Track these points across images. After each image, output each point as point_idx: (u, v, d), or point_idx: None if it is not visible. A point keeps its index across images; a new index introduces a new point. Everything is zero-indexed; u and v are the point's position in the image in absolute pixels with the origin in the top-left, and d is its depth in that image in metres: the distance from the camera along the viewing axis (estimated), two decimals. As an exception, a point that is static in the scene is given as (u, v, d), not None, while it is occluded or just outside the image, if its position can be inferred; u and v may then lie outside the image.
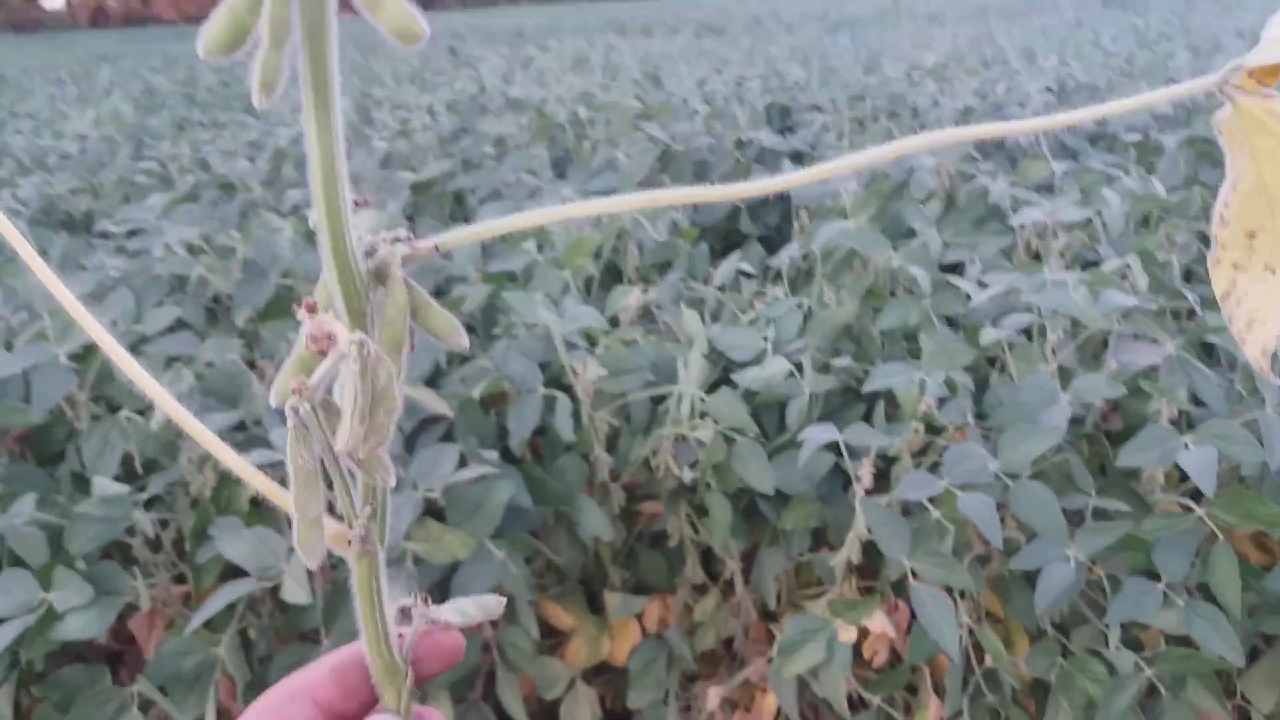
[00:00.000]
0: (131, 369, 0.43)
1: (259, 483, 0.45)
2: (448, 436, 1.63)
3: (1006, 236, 1.99)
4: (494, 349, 1.69)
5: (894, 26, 9.28)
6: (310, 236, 2.31)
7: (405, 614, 0.45)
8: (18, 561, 1.48)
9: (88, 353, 1.79)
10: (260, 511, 1.60)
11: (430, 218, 2.56)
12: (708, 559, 1.75)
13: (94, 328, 0.43)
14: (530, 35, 13.71)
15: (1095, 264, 1.92)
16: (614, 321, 1.86)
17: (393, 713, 0.44)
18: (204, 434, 0.46)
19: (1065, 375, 1.55)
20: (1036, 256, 2.01)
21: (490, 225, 0.39)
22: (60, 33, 42.79)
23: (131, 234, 2.43)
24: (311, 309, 0.34)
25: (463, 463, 1.49)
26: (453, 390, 1.68)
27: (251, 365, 1.86)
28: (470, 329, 1.96)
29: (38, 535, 1.49)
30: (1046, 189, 2.26)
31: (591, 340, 1.72)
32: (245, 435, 1.65)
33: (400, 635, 0.45)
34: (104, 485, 1.54)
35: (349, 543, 0.41)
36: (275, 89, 0.31)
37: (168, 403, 0.45)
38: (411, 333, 0.38)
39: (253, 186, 2.90)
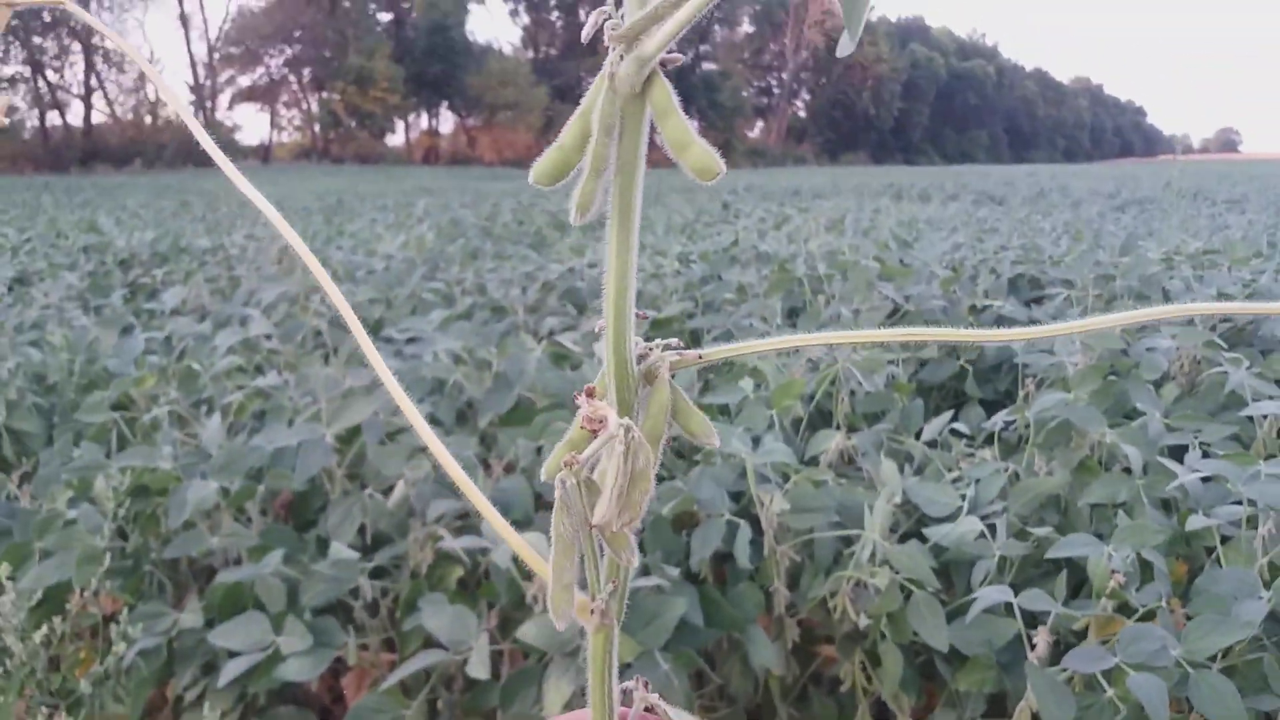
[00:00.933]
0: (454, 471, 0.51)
1: (520, 548, 0.48)
2: (639, 549, 1.75)
3: (1241, 426, 1.90)
4: (690, 473, 1.80)
5: (1184, 208, 8.86)
6: (556, 358, 2.55)
7: (626, 695, 0.48)
8: (259, 606, 1.72)
9: (350, 435, 2.07)
10: (465, 592, 1.78)
11: (666, 352, 2.75)
12: (881, 710, 1.73)
13: (422, 427, 0.51)
14: (806, 194, 14.18)
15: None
16: (813, 462, 1.92)
17: None
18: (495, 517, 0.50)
19: (1277, 572, 1.45)
20: (1273, 455, 1.88)
21: (749, 345, 0.44)
22: (396, 166, 48.94)
23: (410, 341, 2.78)
24: (591, 394, 0.40)
25: (645, 572, 1.60)
26: (649, 506, 1.80)
27: (485, 463, 2.07)
28: (678, 454, 2.09)
29: (279, 586, 1.73)
30: (1302, 383, 2.12)
31: (785, 477, 1.79)
32: (464, 523, 1.84)
33: (623, 713, 0.48)
34: (338, 549, 1.77)
35: (591, 613, 0.44)
36: (590, 211, 0.39)
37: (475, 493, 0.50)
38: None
39: (518, 311, 3.23)
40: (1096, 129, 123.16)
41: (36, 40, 45.67)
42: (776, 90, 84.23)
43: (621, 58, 0.38)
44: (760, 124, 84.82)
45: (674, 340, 0.42)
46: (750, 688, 1.72)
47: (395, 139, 63.99)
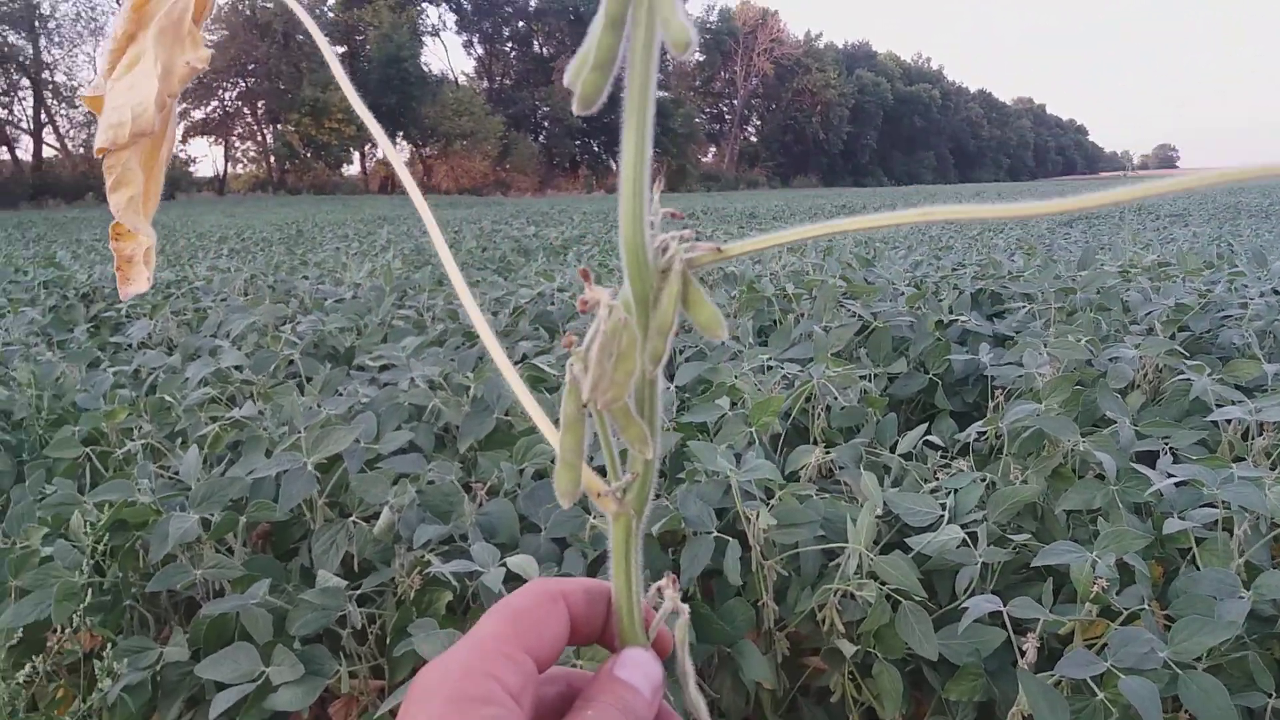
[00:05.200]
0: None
1: (540, 421, 0.49)
2: (627, 569, 1.76)
3: (1208, 432, 1.95)
4: (677, 492, 1.82)
5: (1131, 223, 9.09)
6: (532, 381, 2.56)
7: (659, 593, 0.49)
8: (246, 637, 1.71)
9: (331, 463, 2.06)
10: (454, 615, 1.77)
11: (640, 373, 2.77)
12: (869, 718, 1.75)
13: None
14: (763, 216, 14.33)
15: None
16: (794, 477, 1.95)
17: (644, 648, 0.47)
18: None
19: (1254, 572, 1.50)
20: (1240, 458, 1.94)
21: (768, 238, 0.42)
22: (353, 196, 48.76)
23: (384, 368, 2.77)
24: (585, 275, 0.40)
25: (635, 591, 1.61)
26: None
27: (467, 488, 2.07)
28: (661, 473, 2.11)
29: (266, 616, 1.71)
30: (1260, 389, 2.19)
31: (769, 492, 1.82)
32: (451, 547, 1.84)
33: (647, 610, 0.48)
34: (325, 578, 1.75)
35: (601, 497, 0.45)
36: (594, 104, 0.39)
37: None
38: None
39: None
40: (1040, 148, 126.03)
41: (-15, 77, 44.97)
42: (728, 116, 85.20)
43: None
44: (713, 149, 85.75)
45: (689, 233, 0.41)
46: (742, 701, 1.73)
47: (351, 169, 63.79)
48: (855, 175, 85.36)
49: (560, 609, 0.46)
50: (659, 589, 0.49)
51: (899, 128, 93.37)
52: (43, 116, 46.84)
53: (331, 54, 0.51)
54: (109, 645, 1.73)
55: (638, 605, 0.47)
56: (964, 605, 1.49)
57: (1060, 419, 1.90)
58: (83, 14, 49.51)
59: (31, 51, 46.22)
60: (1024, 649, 1.46)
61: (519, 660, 0.43)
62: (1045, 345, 2.31)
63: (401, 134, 63.05)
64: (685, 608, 0.49)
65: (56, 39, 47.72)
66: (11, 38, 45.83)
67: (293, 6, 0.50)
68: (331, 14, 60.80)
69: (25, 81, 46.75)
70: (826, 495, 1.85)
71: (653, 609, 0.49)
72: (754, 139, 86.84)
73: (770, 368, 2.41)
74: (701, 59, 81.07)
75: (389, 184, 61.34)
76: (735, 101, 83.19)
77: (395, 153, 0.49)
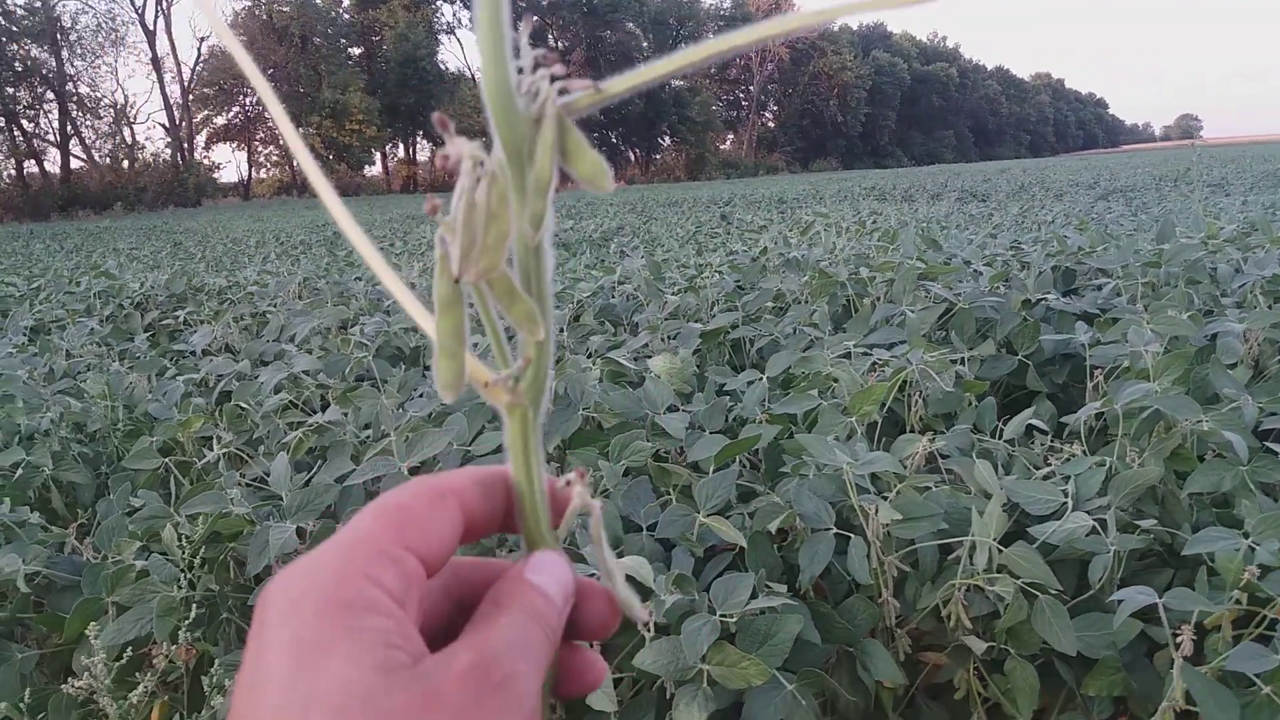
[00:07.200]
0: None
1: (407, 303, 0.42)
2: (732, 567, 1.70)
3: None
4: (783, 487, 1.76)
5: (1171, 195, 8.92)
6: (614, 376, 2.51)
7: (567, 486, 0.43)
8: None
9: (423, 467, 2.02)
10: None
11: (713, 363, 2.72)
12: (994, 715, 1.69)
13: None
14: (792, 202, 14.22)
15: None
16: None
17: (554, 551, 0.42)
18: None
19: None
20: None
21: (655, 67, 0.35)
22: (377, 196, 49.03)
23: (454, 368, 2.73)
24: (444, 125, 0.34)
25: (753, 594, 1.55)
26: (735, 524, 1.75)
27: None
28: (754, 466, 2.05)
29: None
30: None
31: (879, 485, 1.75)
32: (553, 550, 1.79)
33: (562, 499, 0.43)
34: (433, 584, 1.71)
35: (498, 389, 0.40)
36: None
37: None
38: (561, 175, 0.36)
39: (561, 331, 3.18)
40: (1059, 123, 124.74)
41: (9, 90, 45.38)
42: (745, 103, 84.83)
43: None
44: (731, 137, 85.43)
45: (559, 69, 0.35)
46: (862, 700, 1.67)
47: (374, 169, 64.14)
48: (875, 157, 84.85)
49: (449, 506, 0.40)
50: (568, 482, 0.43)
51: (917, 108, 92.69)
52: (68, 128, 47.34)
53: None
54: (212, 660, 1.70)
55: (543, 505, 0.42)
56: (1113, 599, 1.43)
57: (1180, 398, 1.83)
58: (103, 25, 49.96)
59: (55, 64, 46.65)
60: (1178, 641, 1.39)
61: (401, 559, 0.36)
62: (1147, 322, 2.23)
63: (421, 132, 63.27)
64: (596, 504, 0.43)
65: (79, 51, 48.19)
66: (35, 51, 46.29)
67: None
68: (347, 15, 61.04)
69: (50, 94, 47.25)
70: (945, 486, 1.78)
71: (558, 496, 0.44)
72: (771, 124, 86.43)
73: (854, 354, 2.35)
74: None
75: (411, 183, 61.57)
76: (751, 88, 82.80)
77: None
